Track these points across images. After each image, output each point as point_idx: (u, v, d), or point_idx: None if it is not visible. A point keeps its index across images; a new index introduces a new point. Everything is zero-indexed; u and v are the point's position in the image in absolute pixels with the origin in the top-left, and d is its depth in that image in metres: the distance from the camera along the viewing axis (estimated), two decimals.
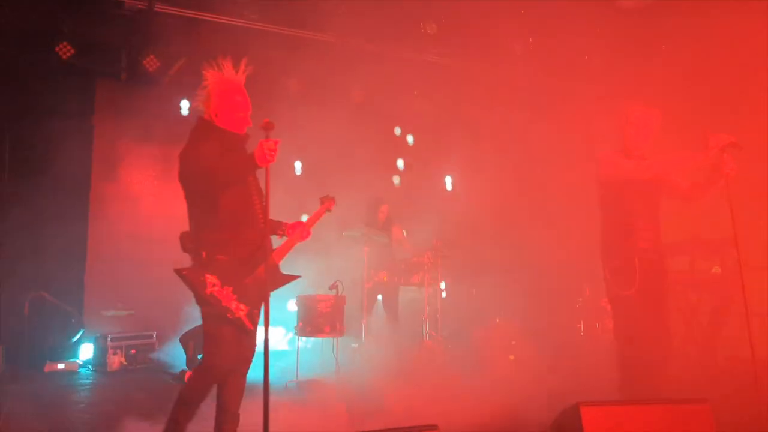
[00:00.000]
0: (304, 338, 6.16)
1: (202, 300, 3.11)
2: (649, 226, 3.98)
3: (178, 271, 3.10)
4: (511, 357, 6.92)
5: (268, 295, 2.96)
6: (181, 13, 6.71)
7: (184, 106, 8.04)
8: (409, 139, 9.64)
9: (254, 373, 3.32)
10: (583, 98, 7.68)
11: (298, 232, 3.57)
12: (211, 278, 3.09)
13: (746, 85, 6.03)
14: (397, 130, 9.51)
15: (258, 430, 2.67)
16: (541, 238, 7.68)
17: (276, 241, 3.57)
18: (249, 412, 3.39)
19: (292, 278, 3.50)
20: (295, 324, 6.11)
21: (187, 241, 3.22)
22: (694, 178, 4.02)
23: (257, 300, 3.23)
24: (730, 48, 6.16)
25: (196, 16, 6.79)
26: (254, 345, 3.37)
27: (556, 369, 5.81)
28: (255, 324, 3.22)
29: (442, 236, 7.48)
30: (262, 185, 3.13)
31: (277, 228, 3.61)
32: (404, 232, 7.55)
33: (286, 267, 3.53)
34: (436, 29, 7.13)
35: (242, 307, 3.16)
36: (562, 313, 7.34)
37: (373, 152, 9.44)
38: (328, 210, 3.91)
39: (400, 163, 9.72)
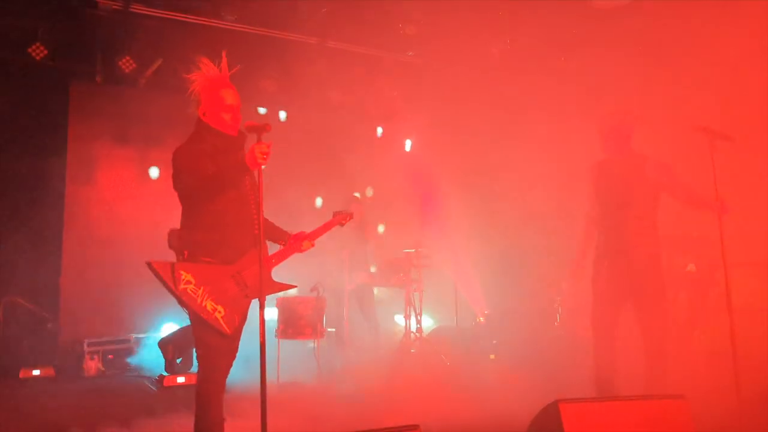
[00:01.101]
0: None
1: (175, 297, 2.97)
2: (629, 226, 4.10)
3: (149, 264, 2.95)
4: (492, 356, 6.95)
5: (263, 299, 2.85)
6: (157, 14, 6.63)
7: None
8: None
9: (241, 374, 3.29)
10: (563, 98, 7.74)
11: (300, 243, 3.48)
12: (185, 275, 2.96)
13: (730, 82, 6.13)
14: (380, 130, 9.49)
15: None
16: (521, 235, 7.74)
17: (272, 247, 3.47)
18: (234, 415, 3.37)
19: (284, 287, 3.38)
20: (275, 326, 6.08)
21: (173, 239, 3.16)
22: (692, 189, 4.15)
23: (239, 304, 3.11)
24: (714, 45, 6.26)
25: (173, 17, 6.71)
26: (236, 350, 3.25)
27: (536, 367, 5.85)
28: (233, 329, 3.07)
29: (423, 235, 7.52)
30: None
31: (280, 236, 3.51)
32: (380, 226, 7.51)
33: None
34: (415, 30, 7.13)
35: (219, 308, 3.01)
36: (541, 311, 7.39)
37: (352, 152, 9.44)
38: (341, 224, 3.84)
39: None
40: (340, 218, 3.85)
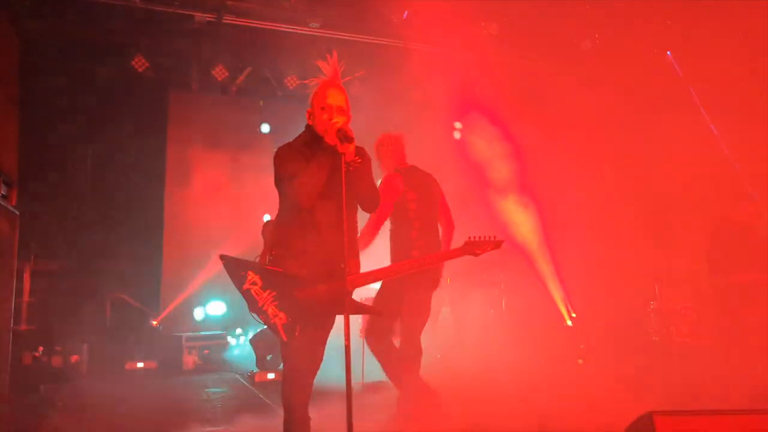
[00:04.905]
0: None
1: (242, 294, 2.94)
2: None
3: (222, 257, 2.95)
4: (580, 361, 6.77)
5: (347, 317, 2.70)
6: (247, 24, 6.90)
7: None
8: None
9: (328, 374, 3.31)
10: (646, 97, 7.39)
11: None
12: (252, 276, 2.93)
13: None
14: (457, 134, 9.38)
15: None
16: (606, 240, 7.46)
17: (367, 262, 3.25)
18: (322, 416, 3.44)
19: (364, 309, 3.20)
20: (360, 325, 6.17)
21: (266, 231, 3.17)
22: None
23: (304, 316, 2.97)
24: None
25: (262, 26, 6.96)
26: (320, 351, 3.16)
27: (627, 374, 5.64)
28: (291, 338, 2.94)
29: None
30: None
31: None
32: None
33: None
34: (498, 29, 7.03)
35: (281, 315, 2.94)
36: (633, 315, 7.10)
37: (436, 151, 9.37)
38: (474, 255, 3.40)
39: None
40: (473, 247, 3.36)
